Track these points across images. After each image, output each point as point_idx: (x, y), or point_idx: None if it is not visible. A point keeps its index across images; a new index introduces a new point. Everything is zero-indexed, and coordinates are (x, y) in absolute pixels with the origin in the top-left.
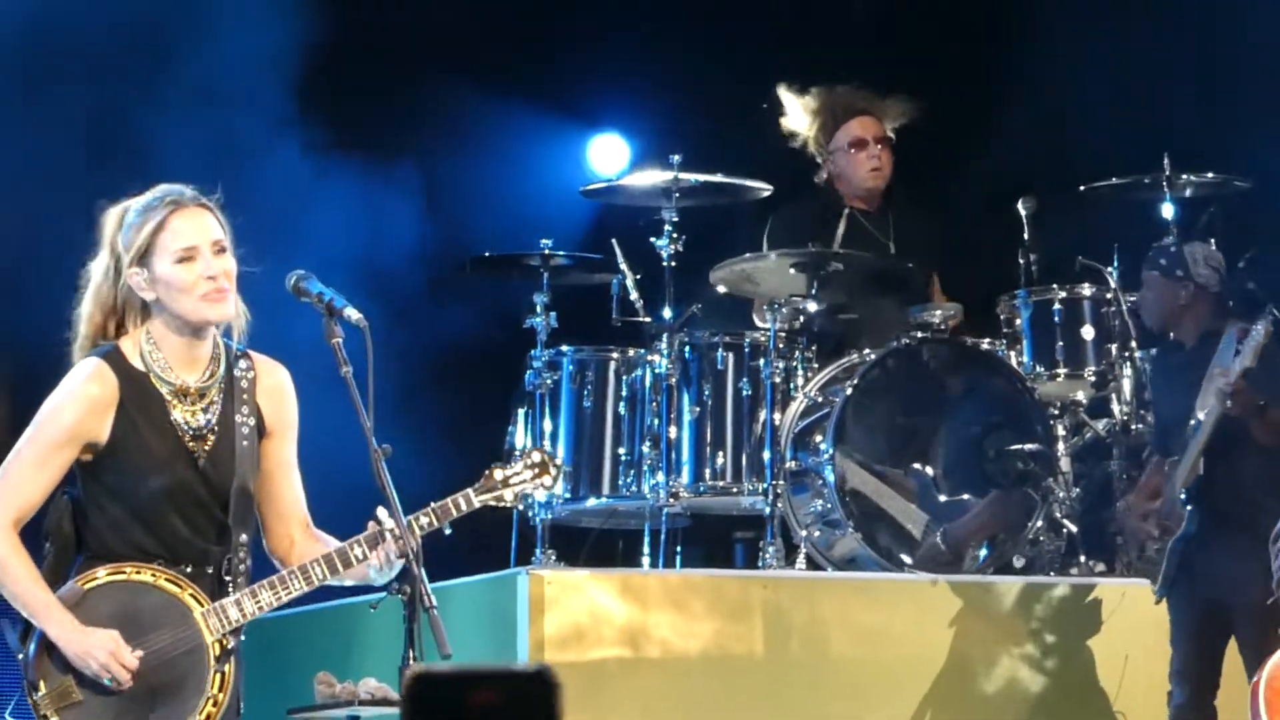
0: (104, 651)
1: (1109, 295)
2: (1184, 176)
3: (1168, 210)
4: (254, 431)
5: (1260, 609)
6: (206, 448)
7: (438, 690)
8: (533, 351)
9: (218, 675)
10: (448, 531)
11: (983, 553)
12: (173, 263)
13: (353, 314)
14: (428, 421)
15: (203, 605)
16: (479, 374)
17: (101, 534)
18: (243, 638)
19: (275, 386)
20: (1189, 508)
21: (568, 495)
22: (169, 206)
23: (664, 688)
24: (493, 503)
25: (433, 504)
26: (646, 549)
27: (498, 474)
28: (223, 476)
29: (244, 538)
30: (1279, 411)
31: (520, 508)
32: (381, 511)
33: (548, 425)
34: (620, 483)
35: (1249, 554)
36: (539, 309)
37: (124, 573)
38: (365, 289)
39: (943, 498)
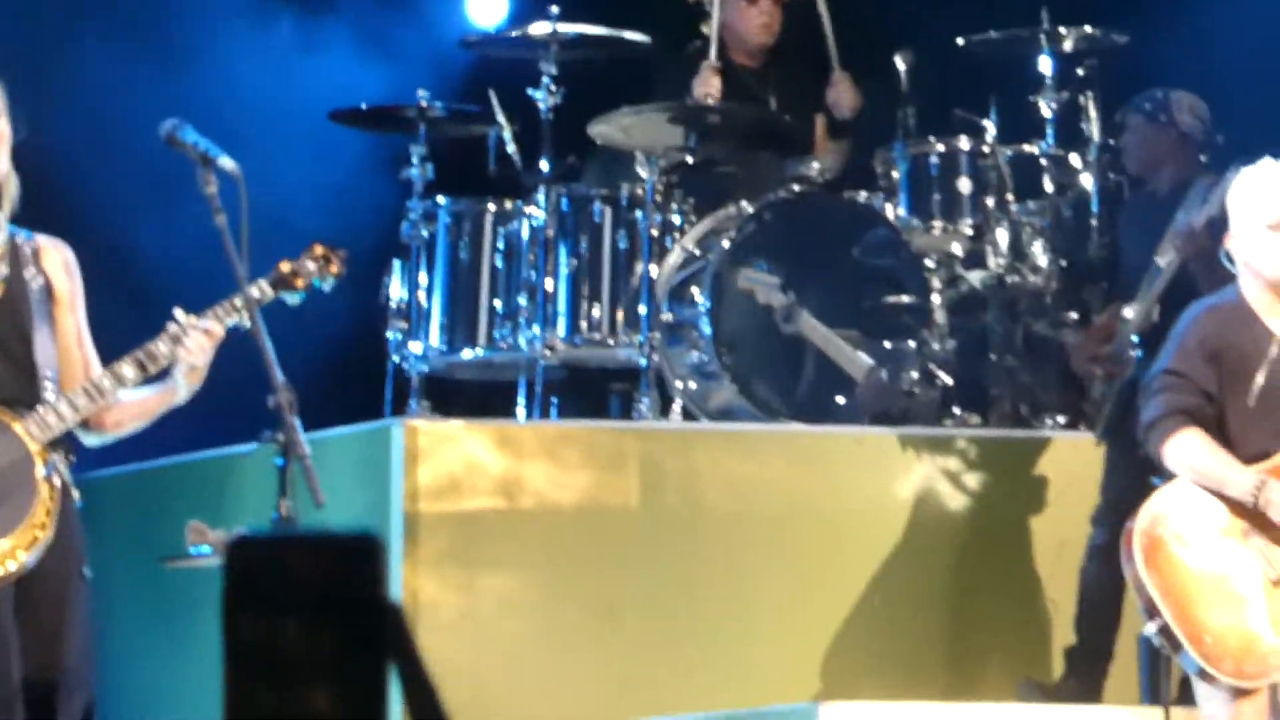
0: None
1: (986, 148)
2: (1062, 30)
3: (1046, 64)
4: (43, 290)
5: None
6: None
7: (260, 555)
8: (409, 203)
9: (43, 505)
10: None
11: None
12: None
13: (227, 163)
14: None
15: (21, 418)
16: (354, 226)
17: None
18: (77, 494)
19: (59, 259)
20: (1140, 354)
21: (444, 347)
22: None
23: (538, 539)
24: (285, 294)
25: (230, 297)
26: (522, 401)
27: (285, 266)
28: (19, 320)
29: (49, 373)
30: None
31: (396, 359)
32: (179, 311)
33: (423, 277)
34: (496, 335)
35: None
36: (415, 161)
37: None
38: (236, 141)
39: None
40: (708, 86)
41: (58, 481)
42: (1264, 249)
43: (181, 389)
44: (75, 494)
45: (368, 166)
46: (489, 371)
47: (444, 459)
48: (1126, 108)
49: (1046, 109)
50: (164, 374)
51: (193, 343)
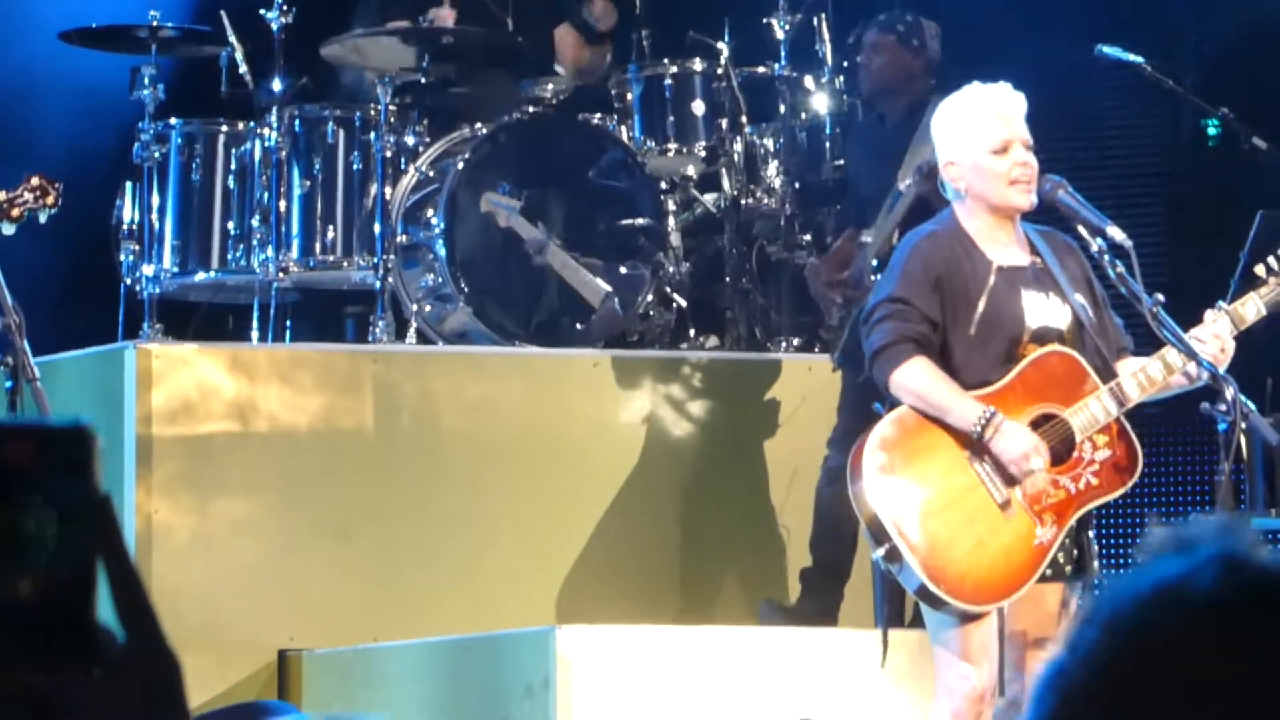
0: None
1: (720, 70)
2: None
3: None
4: None
5: None
6: None
7: None
8: (141, 124)
9: None
10: None
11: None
12: None
13: None
14: None
15: None
16: (86, 148)
17: None
18: None
19: None
20: (878, 278)
21: (176, 269)
22: None
23: (272, 462)
24: (2, 221)
25: None
26: (256, 324)
27: (1, 195)
28: None
29: None
30: None
31: (128, 282)
32: None
33: (156, 199)
34: (229, 257)
35: None
36: (146, 81)
37: None
38: None
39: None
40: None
41: None
42: (989, 174)
43: None
44: None
45: (99, 88)
46: (223, 294)
47: (177, 382)
48: (870, 28)
49: (780, 31)
50: None
51: None
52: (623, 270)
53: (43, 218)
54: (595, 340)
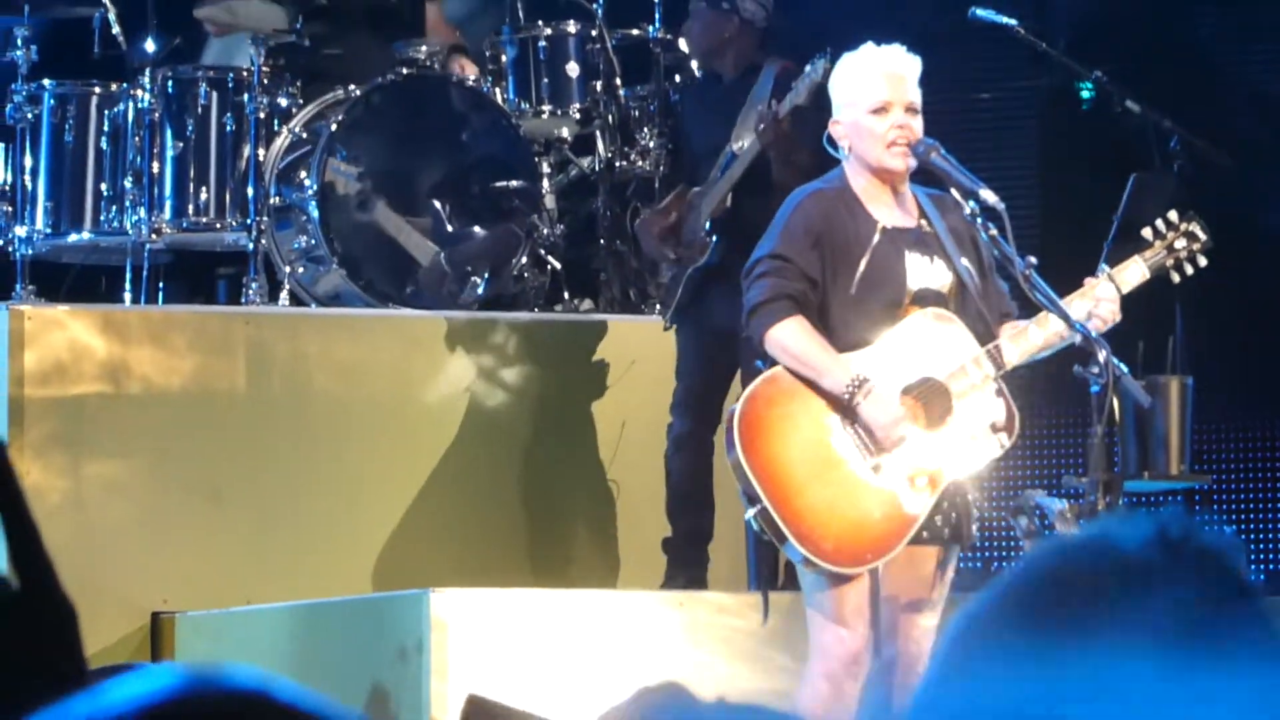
0: None
1: (594, 32)
2: None
3: None
4: None
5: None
6: None
7: None
8: (13, 85)
9: None
10: None
11: (482, 280)
12: None
13: None
14: None
15: None
16: None
17: None
18: None
19: None
20: (713, 238)
21: (49, 230)
22: None
23: (145, 424)
24: None
25: None
26: (128, 285)
27: None
28: None
29: None
30: (806, 155)
31: (0, 243)
32: None
33: (28, 160)
34: (102, 218)
35: None
36: (19, 42)
37: None
38: None
39: (449, 229)
40: None
41: None
42: (867, 133)
43: None
44: None
45: None
46: (95, 255)
47: (50, 343)
48: None
49: None
50: None
51: None
52: (495, 231)
53: None
54: (429, 297)
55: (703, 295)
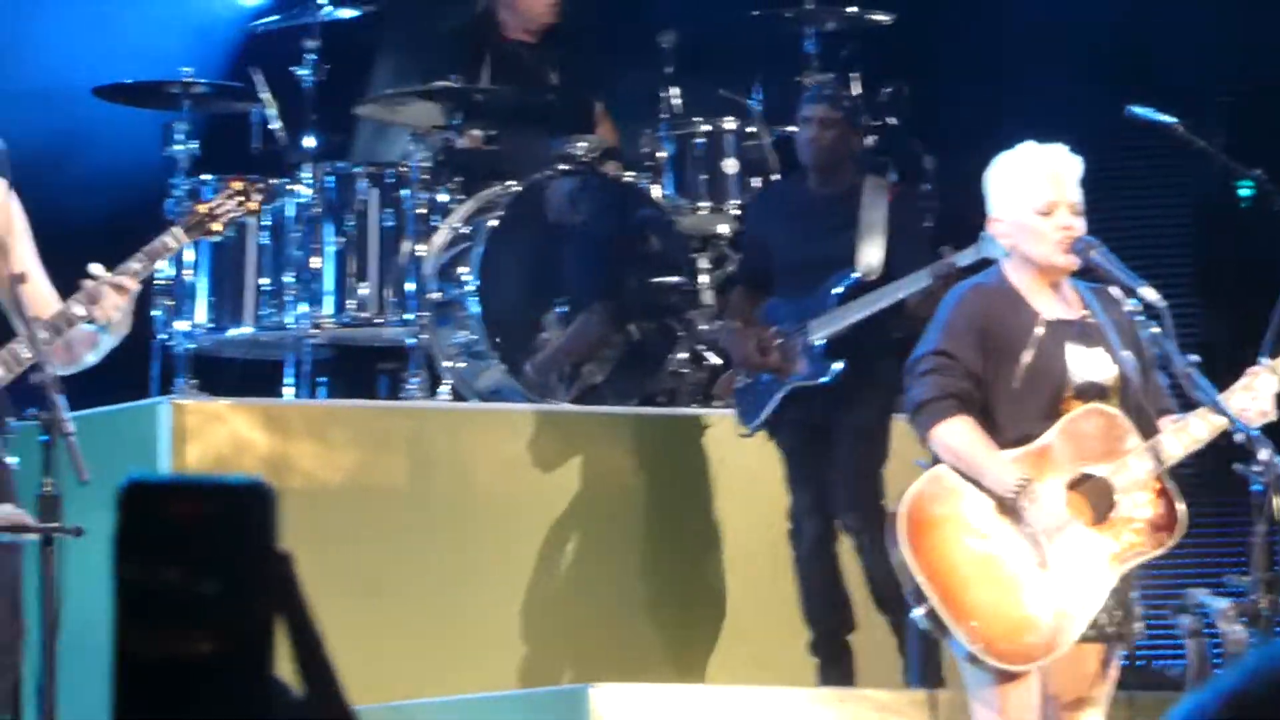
0: None
1: (751, 129)
2: (825, 9)
3: (809, 44)
4: None
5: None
6: None
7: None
8: (173, 180)
9: None
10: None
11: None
12: None
13: None
14: (72, 250)
15: None
16: (119, 203)
17: None
18: (13, 460)
19: None
20: (825, 358)
21: (210, 325)
22: None
23: (307, 519)
24: (202, 236)
25: (143, 248)
26: (289, 380)
27: (202, 207)
28: None
29: None
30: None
31: (163, 337)
32: (95, 267)
33: (190, 255)
34: (263, 313)
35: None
36: (180, 137)
37: None
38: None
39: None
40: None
41: None
42: (1033, 233)
43: (105, 340)
44: (10, 460)
45: (132, 143)
46: (256, 350)
47: (211, 438)
48: (818, 100)
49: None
50: None
51: (109, 302)
52: (593, 318)
53: (253, 218)
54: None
55: (804, 406)
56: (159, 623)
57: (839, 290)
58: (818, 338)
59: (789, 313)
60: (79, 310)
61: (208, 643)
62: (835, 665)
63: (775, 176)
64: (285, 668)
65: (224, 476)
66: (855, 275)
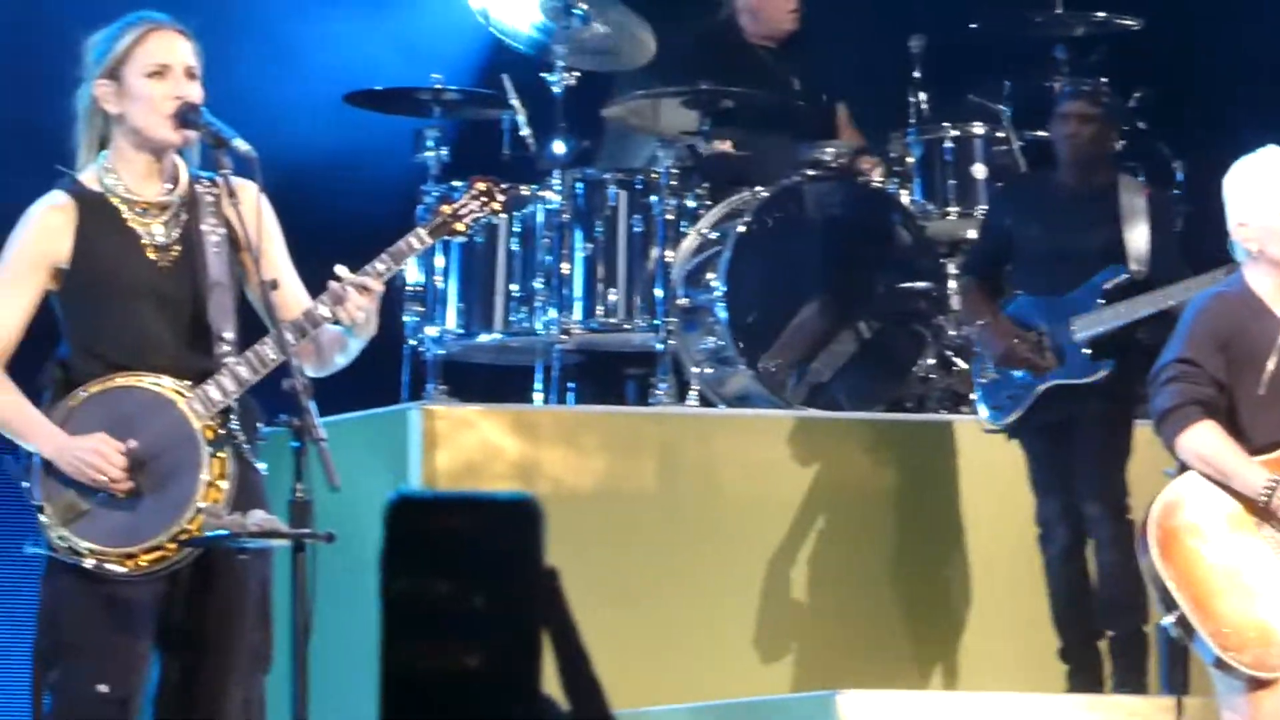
0: (92, 453)
1: (1000, 134)
2: (1074, 14)
3: (1058, 48)
4: (224, 240)
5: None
6: (172, 256)
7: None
8: (424, 186)
9: (215, 460)
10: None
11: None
12: (144, 75)
13: (241, 145)
14: (324, 256)
15: (185, 396)
16: (369, 209)
17: (85, 360)
18: (263, 466)
19: (245, 201)
20: (1090, 356)
21: (460, 331)
22: (147, 25)
23: (556, 523)
24: (446, 236)
25: (387, 250)
26: (539, 385)
27: (446, 208)
28: (193, 281)
29: (227, 334)
30: None
31: (413, 343)
32: (340, 268)
33: (440, 260)
34: (512, 319)
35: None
36: (430, 144)
37: (106, 383)
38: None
39: (856, 331)
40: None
41: (226, 456)
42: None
43: (353, 343)
44: (260, 466)
45: (383, 149)
46: (506, 355)
47: (461, 443)
48: (1080, 96)
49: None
50: None
51: (353, 303)
52: (901, 332)
53: (498, 219)
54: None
55: (1060, 406)
56: (427, 636)
57: (1108, 286)
58: (1082, 336)
59: (1043, 309)
60: (324, 311)
61: (475, 656)
62: (1085, 672)
63: None
64: (550, 681)
65: (491, 492)
66: (1127, 271)
